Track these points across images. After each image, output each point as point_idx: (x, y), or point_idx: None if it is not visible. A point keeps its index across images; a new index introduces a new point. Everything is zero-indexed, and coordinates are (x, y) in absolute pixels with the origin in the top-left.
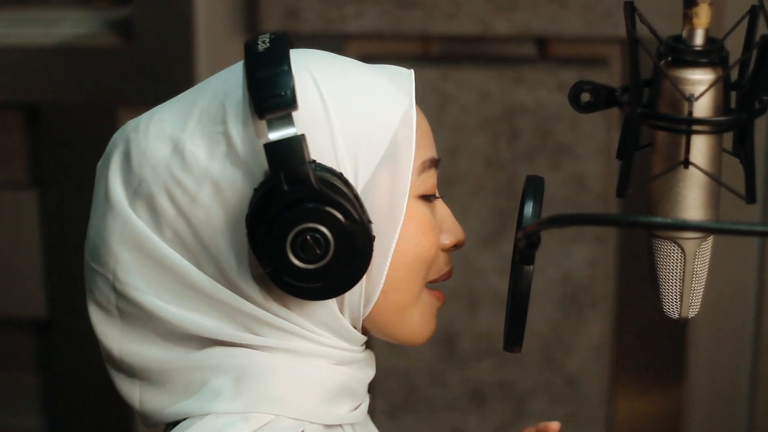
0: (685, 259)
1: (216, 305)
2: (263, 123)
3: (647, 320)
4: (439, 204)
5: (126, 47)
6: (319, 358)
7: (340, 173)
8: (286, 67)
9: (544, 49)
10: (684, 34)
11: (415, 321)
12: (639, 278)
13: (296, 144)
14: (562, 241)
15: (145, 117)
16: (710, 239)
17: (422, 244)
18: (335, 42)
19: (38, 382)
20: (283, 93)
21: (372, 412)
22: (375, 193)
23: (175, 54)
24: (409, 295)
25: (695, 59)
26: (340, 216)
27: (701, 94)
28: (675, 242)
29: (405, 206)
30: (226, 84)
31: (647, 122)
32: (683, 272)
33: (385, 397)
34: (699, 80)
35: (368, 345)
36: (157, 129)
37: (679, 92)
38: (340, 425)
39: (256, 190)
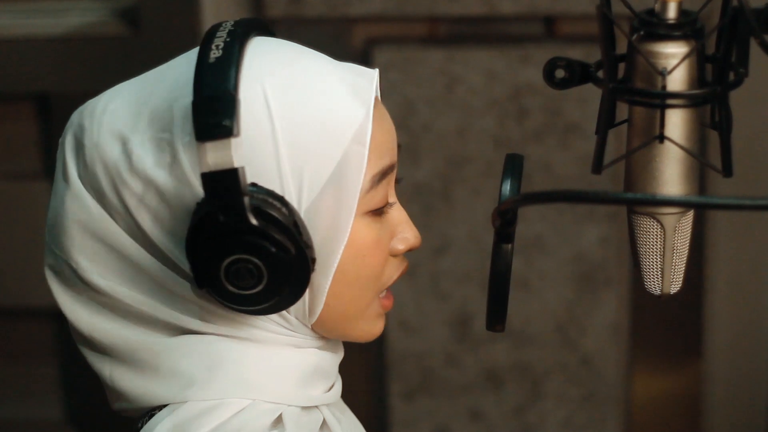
0: (664, 234)
1: (172, 294)
2: (204, 146)
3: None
4: (394, 209)
5: (133, 35)
6: (284, 345)
7: (281, 197)
8: (231, 89)
9: (551, 28)
10: (657, 7)
11: (360, 327)
12: None
13: (233, 177)
14: (575, 220)
15: (101, 103)
16: (690, 214)
17: (366, 264)
18: (340, 26)
19: (56, 372)
20: (224, 122)
21: (388, 395)
22: (319, 214)
23: (182, 41)
24: (354, 308)
25: (668, 32)
26: (273, 249)
27: (673, 68)
28: (654, 218)
29: (349, 228)
30: (177, 84)
31: (622, 98)
32: (663, 248)
33: (401, 380)
34: (672, 54)
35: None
36: (110, 122)
37: (652, 66)
38: (317, 407)
39: (194, 213)
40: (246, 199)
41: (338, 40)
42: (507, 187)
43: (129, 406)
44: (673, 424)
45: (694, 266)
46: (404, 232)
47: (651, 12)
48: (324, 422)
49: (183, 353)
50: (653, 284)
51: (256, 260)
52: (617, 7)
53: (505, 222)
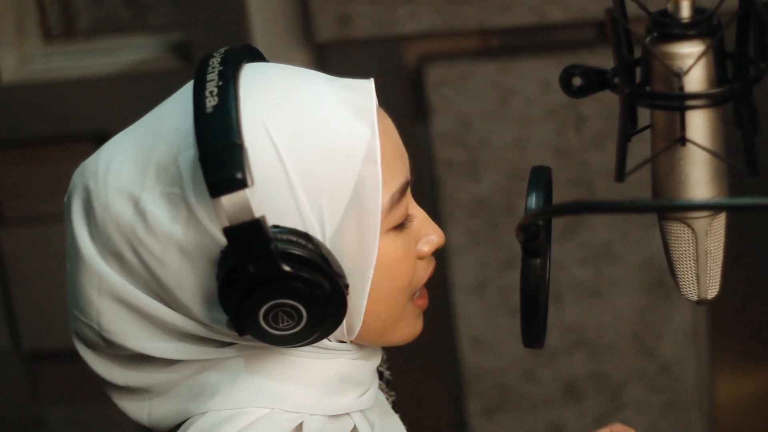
0: (696, 238)
1: (202, 336)
2: (219, 201)
3: (741, 299)
4: (415, 217)
5: (186, 69)
6: (311, 353)
7: (305, 233)
8: (235, 139)
9: (603, 33)
10: (670, 7)
11: (399, 332)
12: (728, 256)
13: (257, 227)
14: (642, 225)
15: (102, 162)
16: (722, 216)
17: (397, 276)
18: (391, 45)
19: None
20: (237, 175)
21: (467, 413)
22: (345, 240)
23: None
24: (391, 318)
25: (683, 32)
26: (307, 288)
27: (689, 68)
28: (684, 222)
29: (376, 248)
30: (177, 135)
31: (640, 102)
32: (696, 252)
33: (479, 398)
34: (688, 54)
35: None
36: (116, 181)
37: (667, 68)
38: (347, 414)
39: (220, 266)
40: (272, 245)
41: (390, 60)
42: (532, 200)
43: (161, 427)
44: (759, 427)
45: None
46: (428, 234)
47: (665, 12)
48: (355, 429)
49: (213, 368)
50: (689, 290)
51: (293, 302)
52: (633, 10)
53: (529, 236)
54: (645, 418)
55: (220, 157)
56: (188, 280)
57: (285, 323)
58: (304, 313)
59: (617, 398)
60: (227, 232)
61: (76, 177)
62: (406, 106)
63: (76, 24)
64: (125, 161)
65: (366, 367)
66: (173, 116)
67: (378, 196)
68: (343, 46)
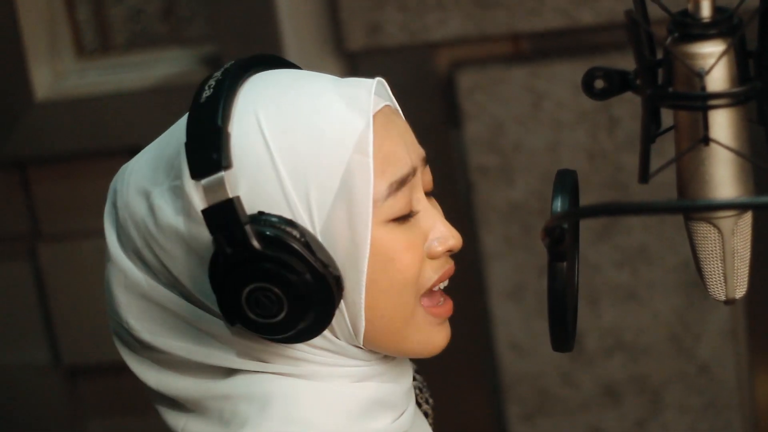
0: (722, 238)
1: (218, 339)
2: (199, 184)
3: None
4: (424, 213)
5: None
6: (339, 378)
7: (291, 220)
8: (218, 123)
9: None
10: (690, 7)
11: (413, 339)
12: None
13: (230, 207)
14: (677, 226)
15: (130, 164)
16: (748, 215)
17: (397, 268)
18: (422, 52)
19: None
20: (213, 156)
21: (507, 418)
22: (335, 230)
23: None
24: (398, 318)
25: (703, 32)
26: (284, 272)
27: (711, 68)
28: (710, 222)
29: (368, 238)
30: (183, 131)
31: (662, 103)
32: (723, 252)
33: (518, 403)
34: (710, 53)
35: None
36: (135, 180)
37: (688, 68)
38: None
39: (211, 252)
40: (248, 227)
41: (421, 67)
42: (558, 204)
43: None
44: None
45: None
46: (439, 233)
47: (685, 13)
48: None
49: (241, 395)
50: (717, 290)
51: (270, 286)
52: (653, 11)
53: (554, 240)
54: (685, 419)
55: (201, 141)
56: (195, 271)
57: (267, 310)
58: (284, 298)
59: (657, 400)
60: (204, 214)
61: (113, 181)
62: (438, 113)
63: (113, 39)
64: (145, 160)
65: (396, 389)
66: (185, 118)
67: (369, 186)
68: (374, 54)
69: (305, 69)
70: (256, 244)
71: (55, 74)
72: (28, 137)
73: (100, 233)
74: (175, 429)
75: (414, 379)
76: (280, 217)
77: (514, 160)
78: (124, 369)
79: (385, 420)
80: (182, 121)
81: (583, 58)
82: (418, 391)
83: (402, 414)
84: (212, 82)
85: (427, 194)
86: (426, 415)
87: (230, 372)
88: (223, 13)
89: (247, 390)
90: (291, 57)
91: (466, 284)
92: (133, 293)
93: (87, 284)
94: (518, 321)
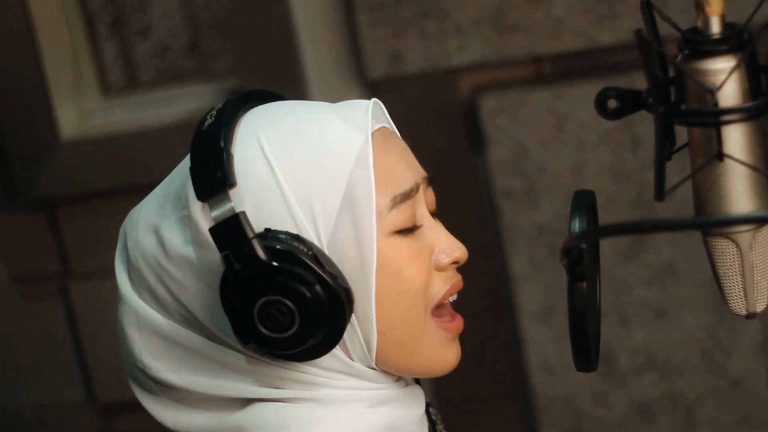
0: (741, 253)
1: (232, 369)
2: (206, 206)
3: None
4: (428, 227)
5: None
6: (353, 403)
7: (296, 235)
8: (221, 144)
9: None
10: (699, 24)
11: (426, 354)
12: None
13: (236, 223)
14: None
15: (139, 206)
16: (765, 229)
17: (404, 278)
18: (443, 78)
19: None
20: (217, 175)
21: None
22: (341, 243)
23: None
24: (410, 330)
25: (714, 48)
26: (294, 283)
27: (722, 83)
28: (727, 237)
29: (374, 250)
30: (189, 164)
31: (675, 120)
32: (742, 266)
33: (552, 425)
34: (721, 69)
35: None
36: (144, 218)
37: (699, 84)
38: None
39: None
40: (255, 242)
41: (443, 93)
42: (576, 224)
43: None
44: None
45: None
46: (444, 245)
47: (695, 30)
48: None
49: (256, 425)
50: (738, 305)
51: (281, 299)
52: (663, 29)
53: (572, 261)
54: None
55: (205, 163)
56: (207, 300)
57: (279, 324)
58: (295, 310)
59: (691, 417)
60: (212, 232)
61: (123, 224)
62: (461, 138)
63: (139, 76)
64: (152, 199)
65: (408, 416)
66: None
67: (371, 199)
68: (395, 82)
69: (327, 100)
70: (264, 257)
71: (80, 113)
72: (55, 177)
73: None
74: None
75: (428, 411)
76: (288, 233)
77: (538, 183)
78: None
79: None
80: (187, 159)
81: (604, 77)
82: (431, 425)
83: None
84: (213, 112)
85: (432, 214)
86: None
87: (245, 403)
88: (246, 46)
89: (263, 419)
90: (313, 87)
91: (495, 308)
92: (147, 331)
93: None
94: (549, 343)
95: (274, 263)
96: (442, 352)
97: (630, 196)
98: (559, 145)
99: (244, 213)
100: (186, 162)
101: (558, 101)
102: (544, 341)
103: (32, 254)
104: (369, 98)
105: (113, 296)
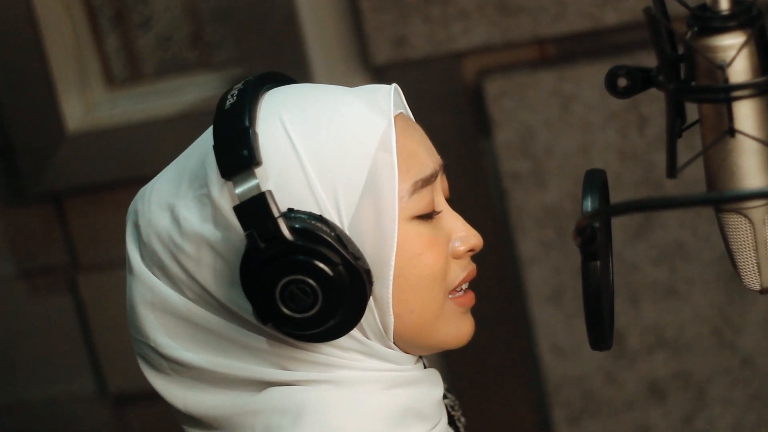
0: (754, 228)
1: (248, 350)
2: (230, 184)
3: None
4: (445, 215)
5: None
6: (370, 385)
7: (320, 216)
8: (246, 123)
9: None
10: (708, 0)
11: (444, 331)
12: None
13: (262, 201)
14: (712, 220)
15: (150, 184)
16: None
17: (423, 263)
18: (448, 62)
19: None
20: (243, 153)
21: (553, 422)
22: (362, 226)
23: None
24: (427, 313)
25: (723, 24)
26: (318, 263)
27: (732, 60)
28: (740, 213)
29: (395, 233)
30: (206, 143)
31: (686, 97)
32: (755, 242)
33: (563, 406)
34: (730, 45)
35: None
36: (158, 197)
37: (709, 61)
38: None
39: (240, 255)
40: (281, 220)
41: (448, 77)
42: (588, 203)
43: None
44: None
45: None
46: (461, 234)
47: (704, 7)
48: None
49: (272, 409)
50: (751, 280)
51: (305, 278)
52: (672, 7)
53: (586, 239)
54: (732, 413)
55: (229, 142)
56: (223, 278)
57: (302, 303)
58: (318, 290)
59: (702, 396)
60: (236, 210)
61: (132, 203)
62: (467, 122)
63: (142, 68)
64: (166, 178)
65: (427, 398)
66: (207, 133)
67: (394, 183)
68: (400, 67)
69: (328, 82)
70: (290, 236)
71: (85, 106)
72: (62, 170)
73: None
74: None
75: (446, 397)
76: (310, 213)
77: (545, 165)
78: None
79: (419, 430)
80: (202, 138)
81: (610, 58)
82: (450, 409)
83: (434, 427)
84: (234, 92)
85: (447, 202)
86: None
87: (260, 387)
88: (249, 33)
89: (279, 403)
90: (318, 73)
91: (504, 290)
92: (160, 309)
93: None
94: (559, 324)
95: (299, 241)
96: (457, 327)
97: (637, 176)
98: (566, 126)
99: (270, 192)
100: (201, 141)
101: (563, 83)
102: (554, 323)
103: (40, 248)
104: (373, 83)
105: (122, 288)
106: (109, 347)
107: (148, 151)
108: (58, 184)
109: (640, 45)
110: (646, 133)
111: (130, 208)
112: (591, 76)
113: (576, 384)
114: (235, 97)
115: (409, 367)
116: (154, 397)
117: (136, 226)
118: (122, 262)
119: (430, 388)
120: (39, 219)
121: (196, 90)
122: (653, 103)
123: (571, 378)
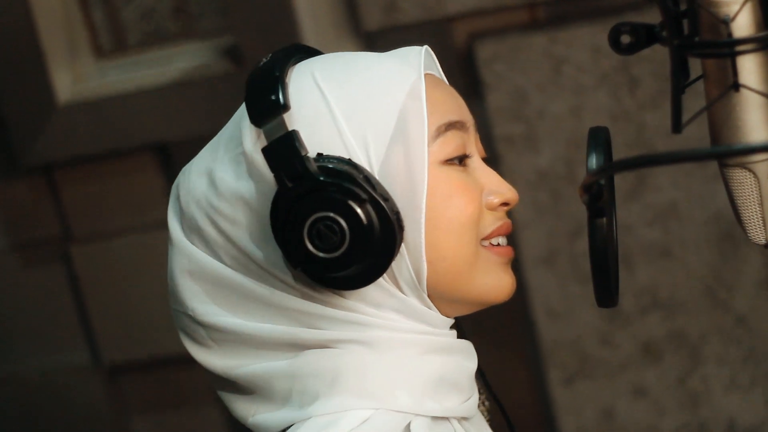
0: (758, 182)
1: (283, 311)
2: (262, 132)
3: None
4: (480, 169)
5: (238, 72)
6: (406, 348)
7: (349, 159)
8: (276, 73)
9: None
10: None
11: (480, 282)
12: None
13: (288, 141)
14: (705, 180)
15: (191, 161)
16: None
17: (454, 205)
18: (439, 26)
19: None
20: (272, 98)
21: (548, 383)
22: (393, 170)
23: None
24: (460, 259)
25: None
26: (346, 198)
27: (736, 14)
28: (744, 168)
29: (426, 176)
30: (243, 110)
31: (690, 53)
32: (760, 196)
33: (558, 368)
34: (734, 0)
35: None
36: (197, 165)
37: (713, 15)
38: (447, 419)
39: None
40: (307, 158)
41: (439, 41)
42: (593, 160)
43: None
44: None
45: None
46: (495, 188)
47: None
48: None
49: (310, 372)
50: (757, 234)
51: (332, 215)
52: None
53: (592, 196)
54: (726, 371)
55: (260, 90)
56: (257, 235)
57: (330, 242)
58: (346, 227)
59: (696, 355)
60: (264, 152)
61: (176, 180)
62: (459, 86)
63: (126, 39)
64: (205, 150)
65: (461, 369)
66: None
67: (423, 127)
68: (391, 32)
69: (324, 51)
70: (317, 173)
71: (75, 76)
72: (53, 141)
73: (131, 230)
74: (244, 419)
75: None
76: (339, 158)
77: (538, 128)
78: (164, 363)
79: (454, 400)
80: (240, 108)
81: (600, 20)
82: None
83: (468, 399)
84: (269, 55)
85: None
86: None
87: (297, 350)
88: (238, 2)
89: (315, 367)
90: (309, 40)
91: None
92: (196, 277)
93: (121, 282)
94: (553, 287)
95: (326, 178)
96: (497, 278)
97: (629, 137)
98: (558, 89)
99: (296, 131)
100: (239, 111)
101: (555, 45)
102: (549, 285)
103: (32, 220)
104: (365, 50)
105: (114, 257)
106: (103, 318)
107: (138, 121)
108: (49, 155)
109: (631, 6)
110: (637, 95)
111: (174, 185)
112: (582, 38)
113: (570, 346)
114: (269, 58)
115: (444, 332)
116: (148, 367)
117: (177, 199)
118: (114, 232)
119: (465, 359)
120: (31, 191)
121: (184, 59)
122: (644, 64)
123: (566, 340)
